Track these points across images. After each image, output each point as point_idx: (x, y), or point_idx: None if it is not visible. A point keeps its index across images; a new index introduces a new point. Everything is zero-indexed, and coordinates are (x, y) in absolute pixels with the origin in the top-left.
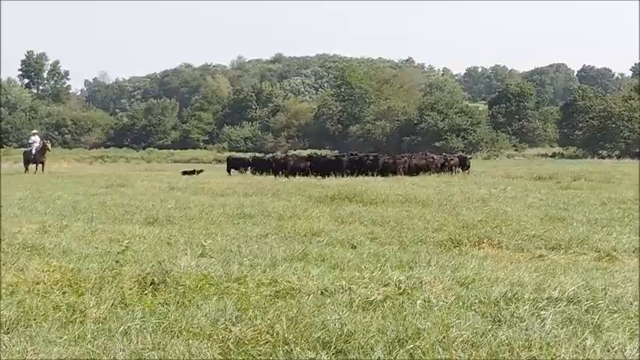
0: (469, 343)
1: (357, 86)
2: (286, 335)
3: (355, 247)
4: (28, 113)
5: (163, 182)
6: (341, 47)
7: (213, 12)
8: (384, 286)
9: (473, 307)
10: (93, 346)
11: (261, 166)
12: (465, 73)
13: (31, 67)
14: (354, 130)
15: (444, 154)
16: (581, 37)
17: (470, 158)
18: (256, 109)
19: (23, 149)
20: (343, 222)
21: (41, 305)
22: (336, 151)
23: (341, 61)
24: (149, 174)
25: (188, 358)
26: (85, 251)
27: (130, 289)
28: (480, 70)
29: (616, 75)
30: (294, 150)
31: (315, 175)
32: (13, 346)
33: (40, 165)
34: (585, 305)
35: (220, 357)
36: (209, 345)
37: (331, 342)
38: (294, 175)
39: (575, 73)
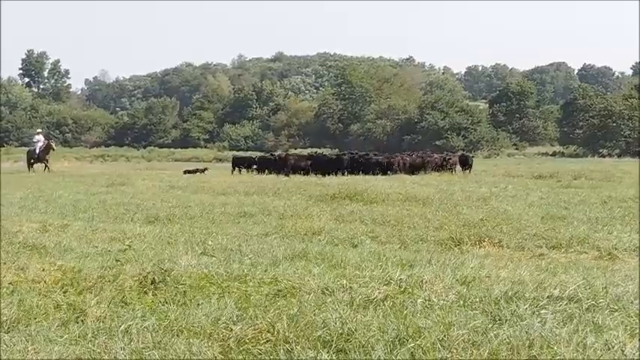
0: (470, 342)
1: (357, 85)
2: (287, 334)
3: (356, 246)
4: (28, 112)
5: (164, 181)
6: (341, 46)
7: (213, 11)
8: (385, 284)
9: (473, 306)
10: (93, 345)
11: (266, 165)
12: (465, 72)
13: (32, 66)
14: (354, 129)
15: (445, 152)
16: (582, 36)
17: (467, 156)
18: (257, 107)
19: (24, 148)
20: (344, 221)
21: (42, 304)
22: (337, 150)
23: (341, 59)
24: (150, 173)
25: (189, 357)
26: (86, 250)
27: (131, 288)
28: (480, 68)
29: (616, 74)
30: (295, 149)
31: (316, 174)
32: (14, 345)
33: (44, 164)
34: (586, 304)
35: (221, 356)
36: (210, 344)
37: (332, 341)
38: (301, 173)
39: (576, 71)
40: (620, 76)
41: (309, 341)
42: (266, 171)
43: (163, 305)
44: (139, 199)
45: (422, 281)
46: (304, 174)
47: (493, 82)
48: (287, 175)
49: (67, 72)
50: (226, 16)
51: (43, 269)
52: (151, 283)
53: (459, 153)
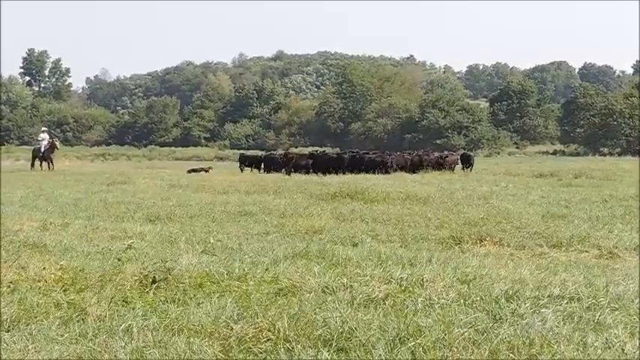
0: (470, 340)
1: (358, 84)
2: (287, 333)
3: (356, 245)
4: (29, 111)
5: (165, 180)
6: (342, 45)
7: (214, 9)
8: (386, 283)
9: (474, 305)
10: (94, 344)
11: (272, 164)
12: (466, 71)
13: (33, 64)
14: (355, 128)
15: (445, 151)
16: (583, 34)
17: (469, 155)
18: (257, 106)
19: (24, 147)
20: (344, 220)
21: (42, 303)
22: (337, 148)
23: (342, 58)
24: (150, 172)
25: (189, 356)
26: (86, 249)
27: (131, 287)
28: (481, 67)
29: (617, 72)
30: (296, 147)
31: (316, 173)
32: (14, 344)
33: (48, 162)
34: (586, 303)
35: (222, 355)
36: (210, 343)
37: (332, 339)
38: (302, 171)
39: (577, 70)
40: (620, 74)
41: (309, 340)
42: (272, 169)
43: (164, 304)
44: (140, 197)
45: (422, 280)
46: (306, 172)
47: (494, 81)
48: (288, 173)
49: (67, 71)
50: (227, 14)
51: (44, 268)
52: (152, 282)
53: (461, 152)
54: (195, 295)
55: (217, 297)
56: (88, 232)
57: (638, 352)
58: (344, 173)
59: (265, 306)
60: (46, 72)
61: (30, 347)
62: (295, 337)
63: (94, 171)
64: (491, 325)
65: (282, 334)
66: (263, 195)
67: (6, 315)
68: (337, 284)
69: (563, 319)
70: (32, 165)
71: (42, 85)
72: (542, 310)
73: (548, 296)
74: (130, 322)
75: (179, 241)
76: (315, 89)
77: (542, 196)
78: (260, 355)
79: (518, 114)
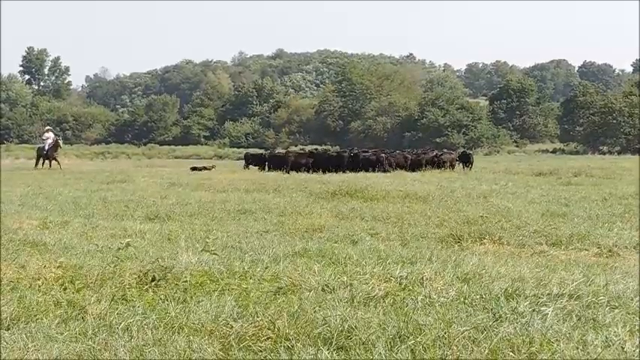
0: (470, 339)
1: (358, 82)
2: (287, 331)
3: (356, 243)
4: (29, 109)
5: (164, 178)
6: (342, 43)
7: (213, 8)
8: (385, 282)
9: (474, 303)
10: (94, 343)
11: (277, 162)
12: (465, 69)
13: (32, 63)
14: (355, 126)
15: (444, 149)
16: (582, 33)
17: (468, 154)
18: (257, 105)
19: (24, 145)
20: (344, 218)
21: (42, 301)
22: (337, 147)
23: (342, 57)
24: (150, 170)
25: (189, 355)
26: (86, 247)
27: (131, 285)
28: (480, 66)
29: (617, 71)
30: (295, 146)
31: (316, 171)
32: (14, 342)
33: (53, 161)
34: (586, 301)
35: (221, 353)
36: (210, 341)
37: (332, 338)
38: (303, 170)
39: (576, 69)
40: (620, 73)
41: (309, 338)
42: (277, 168)
43: (164, 302)
44: (140, 196)
45: (422, 278)
46: (306, 171)
47: (493, 80)
48: (287, 172)
49: (67, 69)
50: (226, 13)
51: (44, 266)
52: (152, 281)
53: (460, 150)
54: (194, 294)
55: (217, 295)
56: (88, 230)
57: (637, 350)
58: (344, 172)
59: (265, 304)
60: (46, 70)
61: (30, 346)
62: (295, 335)
63: (93, 169)
64: (490, 323)
65: (282, 332)
66: (263, 193)
67: (6, 313)
68: (337, 282)
69: (562, 318)
70: (36, 164)
71: (41, 83)
72: (542, 308)
73: (548, 294)
74: (129, 321)
75: (179, 239)
76: (315, 88)
77: (541, 195)
78: (260, 354)
79: (517, 112)
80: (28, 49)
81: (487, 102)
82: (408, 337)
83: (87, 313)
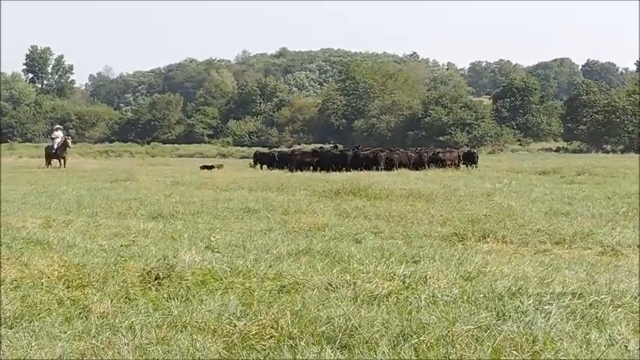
0: (474, 337)
1: (361, 81)
2: (291, 330)
3: (360, 242)
4: (32, 108)
5: (168, 177)
6: (345, 42)
7: (217, 6)
8: (389, 280)
9: (477, 302)
10: (97, 341)
11: (284, 161)
12: (469, 68)
13: (35, 61)
14: (358, 125)
15: (448, 148)
16: (586, 31)
17: (473, 152)
18: (261, 103)
19: (27, 144)
20: (347, 217)
21: (45, 300)
22: (341, 145)
23: (345, 55)
24: (154, 168)
25: (192, 353)
26: (89, 246)
27: (134, 283)
28: (484, 64)
29: (620, 69)
30: (299, 144)
31: (320, 170)
32: (17, 341)
33: (62, 160)
34: (589, 300)
35: (225, 352)
36: (213, 339)
37: (336, 336)
38: (309, 168)
39: (580, 67)
40: (623, 72)
41: (313, 337)
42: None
43: (167, 301)
44: (143, 194)
45: (426, 277)
46: (314, 169)
47: (497, 78)
48: (293, 170)
49: (70, 68)
50: (230, 11)
51: (47, 265)
52: (155, 279)
53: (465, 149)
54: (198, 292)
55: (220, 294)
56: (91, 229)
57: None
58: (347, 170)
59: (268, 303)
60: (49, 69)
61: (33, 344)
62: (299, 334)
63: (97, 168)
64: (494, 322)
65: (285, 330)
66: (266, 192)
67: (9, 312)
68: (340, 281)
69: (566, 316)
70: (47, 163)
71: (45, 82)
72: (546, 307)
73: (551, 293)
74: (133, 319)
75: (182, 238)
76: (318, 86)
77: (545, 193)
78: (263, 352)
79: (521, 111)
80: (32, 47)
81: (491, 100)
82: (412, 336)
83: (90, 312)
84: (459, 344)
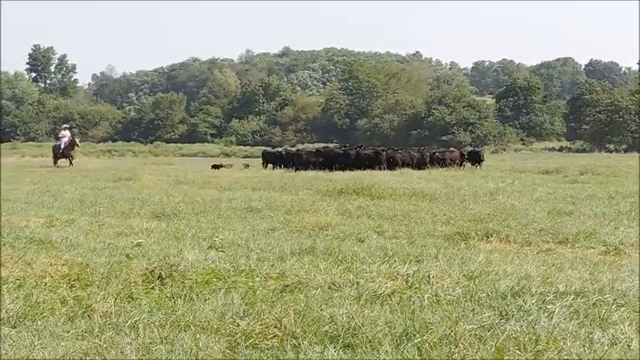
0: (477, 337)
1: (364, 80)
2: (294, 329)
3: (363, 241)
4: (35, 107)
5: (171, 176)
6: (348, 41)
7: (220, 5)
8: (392, 280)
9: (480, 301)
10: (100, 341)
11: (291, 160)
12: (472, 67)
13: (38, 61)
14: (361, 124)
15: (451, 148)
16: (589, 31)
17: (478, 152)
18: (264, 102)
19: (30, 143)
20: (351, 216)
21: (48, 299)
22: (341, 144)
23: (348, 55)
24: (157, 168)
25: (196, 352)
26: (92, 245)
27: (137, 283)
28: (487, 64)
29: (623, 69)
30: (302, 144)
31: (323, 169)
32: (20, 340)
33: (69, 159)
34: (592, 299)
35: (228, 351)
36: (217, 339)
37: (339, 336)
38: (313, 167)
39: (583, 67)
40: (626, 71)
41: (316, 336)
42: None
43: (170, 300)
44: (146, 194)
45: (429, 276)
46: (319, 169)
47: (500, 78)
48: (297, 169)
49: (73, 67)
50: (233, 11)
51: (50, 264)
52: (158, 278)
53: (469, 148)
54: (201, 292)
55: (223, 293)
56: (94, 228)
57: None
58: (350, 169)
59: (272, 302)
60: (52, 68)
61: (36, 343)
62: (302, 333)
63: (100, 167)
64: (497, 321)
65: (288, 330)
66: (269, 191)
67: (12, 311)
68: (343, 280)
69: (569, 316)
70: (55, 162)
71: (48, 81)
72: (549, 306)
73: (554, 292)
74: (136, 319)
75: (185, 237)
76: (321, 85)
77: (548, 193)
78: (266, 352)
79: (524, 110)
80: (35, 46)
81: (494, 100)
82: (415, 335)
83: (93, 311)
84: (463, 343)
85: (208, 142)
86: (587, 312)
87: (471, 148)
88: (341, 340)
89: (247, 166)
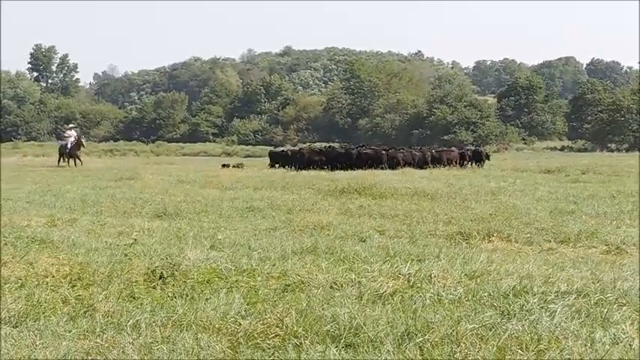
0: (478, 336)
1: (366, 79)
2: (296, 328)
3: (364, 241)
4: (37, 106)
5: (172, 176)
6: (350, 41)
7: (222, 5)
8: (394, 279)
9: (482, 301)
10: (102, 340)
11: (296, 160)
12: (474, 67)
13: (40, 60)
14: (363, 124)
15: (453, 147)
16: (590, 30)
17: (480, 151)
18: (265, 102)
19: (32, 142)
20: (352, 215)
21: (50, 299)
22: (345, 144)
23: (350, 54)
24: (158, 167)
25: (197, 352)
26: (94, 245)
27: (139, 282)
28: (489, 63)
29: (625, 68)
30: (304, 143)
31: (324, 168)
32: (22, 340)
33: (75, 159)
34: (594, 298)
35: (229, 350)
36: (218, 338)
37: (341, 335)
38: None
39: (584, 66)
40: (628, 70)
41: (317, 335)
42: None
43: (172, 300)
44: (148, 193)
45: (430, 276)
46: (321, 168)
47: (501, 77)
48: (299, 169)
49: (75, 66)
50: (235, 10)
51: (52, 264)
52: (160, 278)
53: (471, 148)
54: (202, 291)
55: (225, 292)
56: (96, 227)
57: None
58: (352, 169)
59: (273, 302)
60: (54, 68)
61: (37, 343)
62: (303, 332)
63: (101, 167)
64: (499, 320)
65: (290, 329)
66: (271, 191)
67: (14, 311)
68: (345, 280)
69: (570, 315)
70: (59, 161)
71: (49, 80)
72: (550, 305)
73: (556, 292)
74: (137, 318)
75: (187, 236)
76: (323, 85)
77: (549, 192)
78: (268, 351)
79: (525, 110)
80: (36, 46)
81: (495, 99)
82: (417, 335)
83: (95, 311)
84: (464, 343)
85: (210, 141)
86: (588, 311)
87: (473, 148)
88: (343, 340)
89: (238, 165)
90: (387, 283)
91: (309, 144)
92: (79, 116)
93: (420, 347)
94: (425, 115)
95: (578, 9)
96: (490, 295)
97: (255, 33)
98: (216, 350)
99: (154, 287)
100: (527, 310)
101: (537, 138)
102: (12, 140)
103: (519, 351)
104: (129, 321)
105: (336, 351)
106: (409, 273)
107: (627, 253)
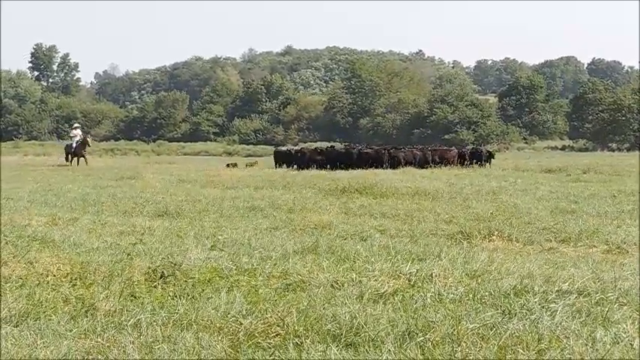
0: (479, 336)
1: (367, 79)
2: (296, 328)
3: (365, 240)
4: (38, 106)
5: (173, 175)
6: (351, 40)
7: (223, 4)
8: (395, 278)
9: (483, 300)
10: (103, 339)
11: (300, 159)
12: (475, 66)
13: (41, 59)
14: (364, 123)
15: (453, 147)
16: (591, 30)
17: (480, 151)
18: (266, 101)
19: (33, 142)
20: (353, 215)
21: (50, 298)
22: (346, 143)
23: (351, 53)
24: (159, 166)
25: (198, 351)
26: (95, 244)
27: (140, 282)
28: (490, 62)
29: (626, 68)
30: (305, 143)
31: (325, 168)
32: (23, 339)
33: (81, 158)
34: (595, 298)
35: (230, 350)
36: (219, 338)
37: (341, 335)
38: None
39: (585, 66)
40: (629, 70)
41: (318, 335)
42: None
43: (173, 299)
44: (149, 192)
45: (431, 275)
46: (322, 167)
47: (503, 76)
48: (300, 168)
49: (76, 65)
50: (236, 9)
51: (53, 263)
52: (160, 277)
53: (471, 147)
54: (203, 290)
55: (226, 292)
56: (97, 227)
57: None
58: (353, 168)
59: (274, 301)
60: (55, 67)
61: (38, 342)
62: (304, 332)
63: (102, 166)
64: (500, 320)
65: (291, 329)
66: (272, 190)
67: (14, 310)
68: (346, 279)
69: (571, 314)
70: (66, 159)
71: (50, 80)
72: (551, 305)
73: (557, 291)
74: (138, 317)
75: (188, 236)
76: (324, 84)
77: (550, 192)
78: (269, 350)
79: (526, 109)
80: (37, 45)
81: (496, 99)
82: (417, 334)
83: (96, 310)
84: (465, 342)
85: (211, 140)
86: (589, 311)
87: (473, 147)
88: (343, 339)
89: (234, 165)
90: (388, 282)
91: (308, 143)
92: (79, 115)
93: (420, 347)
94: (426, 114)
95: (579, 9)
96: (491, 294)
97: (256, 32)
98: (217, 349)
99: (155, 286)
100: (528, 310)
101: (538, 137)
102: (13, 139)
103: (520, 350)
104: (130, 320)
105: (337, 350)
106: (410, 272)
107: (628, 252)
